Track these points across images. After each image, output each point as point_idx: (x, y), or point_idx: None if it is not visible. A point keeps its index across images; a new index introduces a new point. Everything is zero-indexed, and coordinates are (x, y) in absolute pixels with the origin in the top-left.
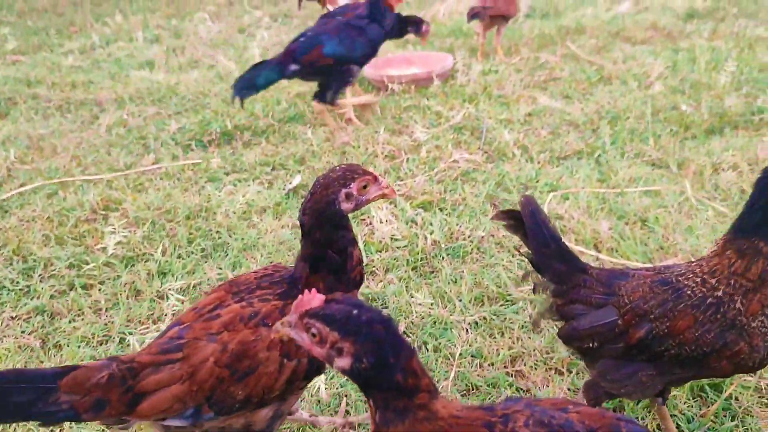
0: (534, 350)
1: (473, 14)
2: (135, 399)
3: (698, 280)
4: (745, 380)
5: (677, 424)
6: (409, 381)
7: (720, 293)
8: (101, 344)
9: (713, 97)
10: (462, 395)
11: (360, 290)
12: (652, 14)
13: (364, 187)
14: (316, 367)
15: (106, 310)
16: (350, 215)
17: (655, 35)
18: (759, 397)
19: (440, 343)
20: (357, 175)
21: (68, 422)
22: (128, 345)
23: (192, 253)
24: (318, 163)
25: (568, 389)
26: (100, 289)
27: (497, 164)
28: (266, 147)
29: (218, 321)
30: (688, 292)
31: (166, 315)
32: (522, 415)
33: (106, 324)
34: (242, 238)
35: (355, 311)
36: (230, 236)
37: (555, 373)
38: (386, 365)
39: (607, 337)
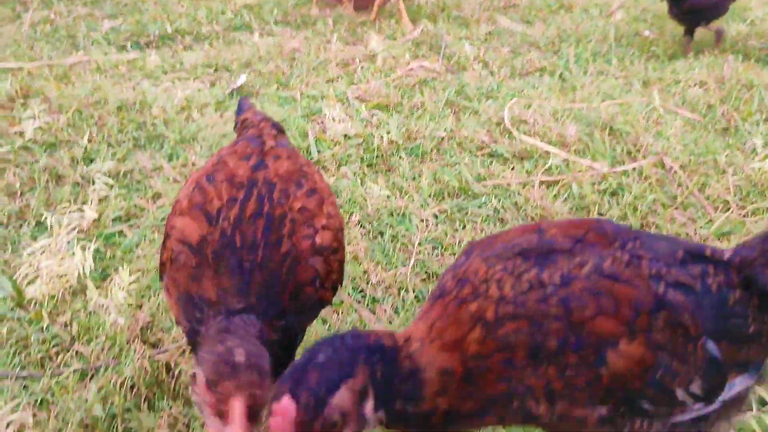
0: None
1: None
2: None
3: None
4: None
5: None
6: None
7: None
8: (17, 228)
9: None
10: (422, 281)
11: None
12: None
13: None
14: None
15: (22, 194)
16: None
17: None
18: None
19: (398, 232)
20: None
21: None
22: (49, 227)
23: (123, 142)
24: (265, 67)
25: None
26: (14, 173)
27: (458, 75)
28: (209, 51)
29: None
30: None
31: (91, 200)
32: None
33: (21, 209)
34: (180, 131)
35: None
36: (166, 128)
37: None
38: None
39: None
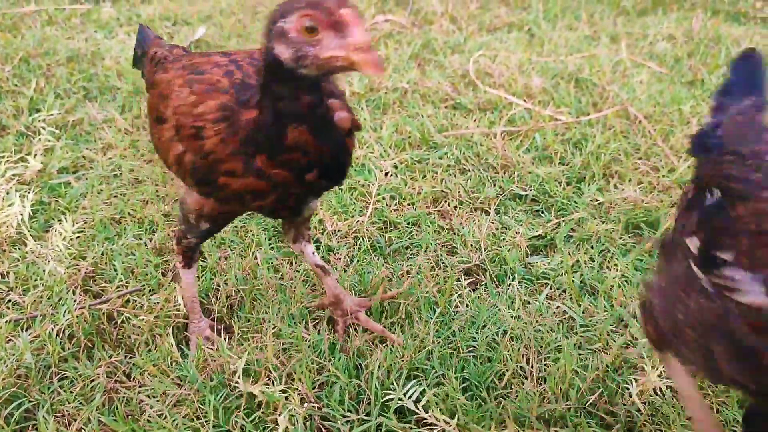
0: (459, 191)
1: None
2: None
3: None
4: None
5: (613, 256)
6: None
7: None
8: None
9: None
10: (379, 230)
11: None
12: None
13: (310, 30)
14: (206, 182)
15: None
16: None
17: None
18: None
19: (356, 182)
20: (302, 6)
21: None
22: None
23: (73, 92)
24: (226, 20)
25: (496, 228)
26: None
27: (425, 30)
28: (168, 3)
29: (198, 59)
30: None
31: (36, 151)
32: None
33: None
34: (133, 82)
35: None
36: (119, 80)
37: (481, 212)
38: None
39: None
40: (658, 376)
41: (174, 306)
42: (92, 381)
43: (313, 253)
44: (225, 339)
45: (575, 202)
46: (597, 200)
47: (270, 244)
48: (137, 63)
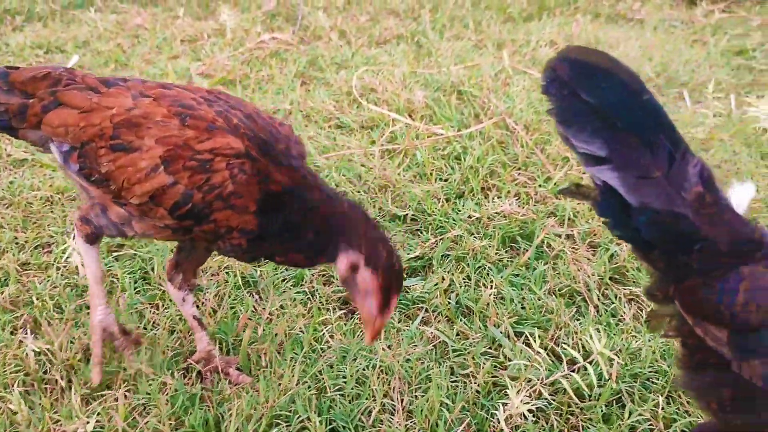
0: None
1: None
2: (52, 106)
3: None
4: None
5: (489, 273)
6: None
7: None
8: None
9: None
10: (253, 265)
11: None
12: None
13: (382, 293)
14: (193, 213)
15: None
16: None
17: None
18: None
19: None
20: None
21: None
22: None
23: None
24: (104, 45)
25: None
26: None
27: (313, 46)
28: (42, 31)
29: (159, 90)
30: None
31: None
32: None
33: None
34: None
35: None
36: None
37: None
38: None
39: None
40: (528, 396)
41: (18, 364)
42: None
43: (192, 304)
44: (74, 397)
45: (453, 219)
46: (474, 215)
47: (135, 288)
48: None
